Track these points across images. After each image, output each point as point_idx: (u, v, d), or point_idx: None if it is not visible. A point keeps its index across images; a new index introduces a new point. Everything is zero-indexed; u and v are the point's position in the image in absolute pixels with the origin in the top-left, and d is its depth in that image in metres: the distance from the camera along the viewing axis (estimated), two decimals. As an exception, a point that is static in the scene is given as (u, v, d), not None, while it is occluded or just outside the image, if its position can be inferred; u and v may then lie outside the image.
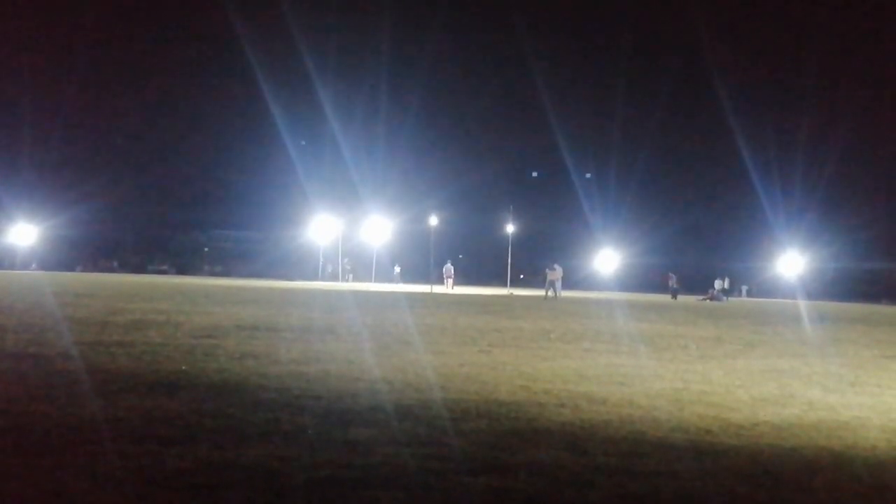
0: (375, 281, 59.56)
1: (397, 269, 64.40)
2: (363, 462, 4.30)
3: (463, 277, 69.89)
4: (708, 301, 45.21)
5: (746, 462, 4.67)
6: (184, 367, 7.83)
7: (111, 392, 6.24)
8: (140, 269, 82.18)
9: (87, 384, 6.58)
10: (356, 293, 33.97)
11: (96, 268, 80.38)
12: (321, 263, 70.26)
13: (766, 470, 4.50)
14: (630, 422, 5.84)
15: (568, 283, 46.85)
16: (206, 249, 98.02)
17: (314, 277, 67.09)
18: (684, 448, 4.99)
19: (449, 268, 49.26)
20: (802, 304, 39.48)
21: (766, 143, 77.79)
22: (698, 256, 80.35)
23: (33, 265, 72.24)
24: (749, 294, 68.47)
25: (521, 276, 60.50)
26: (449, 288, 45.42)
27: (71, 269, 74.12)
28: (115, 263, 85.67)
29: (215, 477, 3.91)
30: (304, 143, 73.23)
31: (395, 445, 4.74)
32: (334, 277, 65.49)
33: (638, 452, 4.81)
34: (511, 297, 38.77)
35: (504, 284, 58.90)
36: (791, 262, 75.44)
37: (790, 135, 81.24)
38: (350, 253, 69.64)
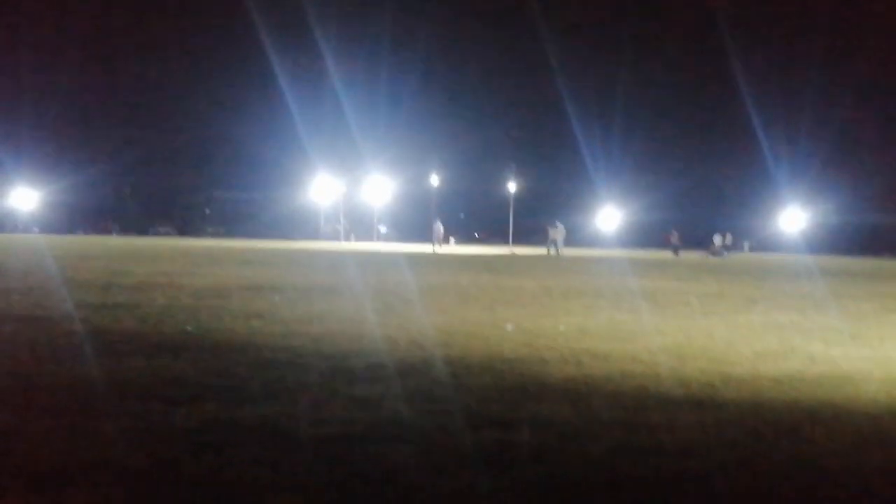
0: (377, 241, 59.51)
1: (384, 229, 64.20)
2: (369, 418, 4.34)
3: (464, 236, 69.83)
4: (709, 257, 45.25)
5: (748, 415, 4.71)
6: (189, 328, 7.87)
7: (117, 353, 6.29)
8: (141, 231, 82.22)
9: (93, 346, 6.63)
10: (357, 253, 34.04)
11: (98, 231, 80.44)
12: (322, 223, 70.16)
13: (766, 421, 4.55)
14: (632, 377, 5.88)
15: (570, 240, 46.86)
16: (207, 211, 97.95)
17: (315, 237, 67.09)
18: (686, 402, 5.04)
19: (438, 226, 47.86)
20: (804, 259, 39.53)
21: (772, 98, 77.18)
22: (700, 212, 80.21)
23: (35, 229, 72.27)
24: (751, 249, 68.46)
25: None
26: (439, 247, 44.83)
27: (72, 232, 74.18)
28: (117, 226, 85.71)
29: (223, 435, 3.95)
30: (299, 69, 71.21)
31: (401, 402, 4.79)
32: (335, 237, 65.52)
33: (640, 406, 4.85)
34: (513, 255, 38.82)
35: (506, 243, 58.93)
36: (793, 218, 75.32)
37: (796, 89, 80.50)
38: (351, 213, 69.52)
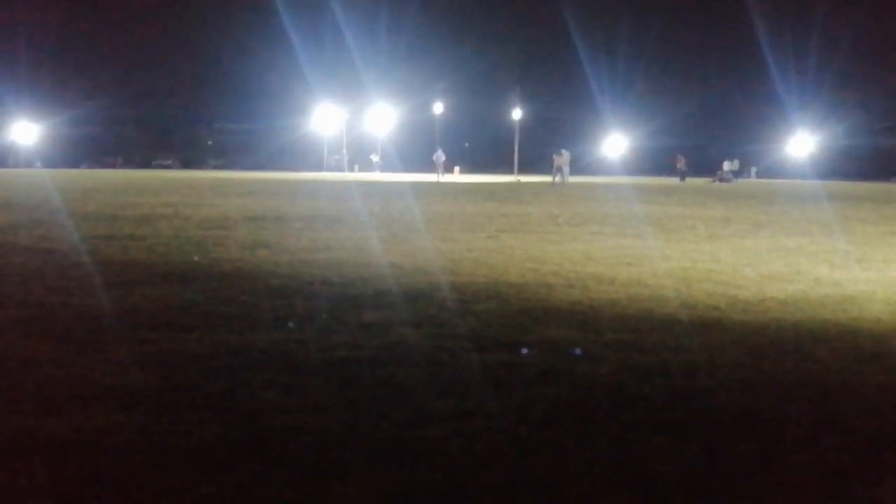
0: (371, 171, 59.26)
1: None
2: (377, 342, 4.40)
3: (470, 165, 69.46)
4: (717, 183, 45.02)
5: (752, 335, 4.76)
6: (196, 258, 7.92)
7: (126, 283, 6.34)
8: (144, 164, 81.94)
9: (102, 276, 6.69)
10: (361, 183, 33.94)
11: (101, 164, 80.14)
12: (325, 154, 69.78)
13: (771, 342, 4.60)
14: (638, 300, 5.93)
15: (576, 168, 46.56)
16: (209, 143, 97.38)
17: (319, 169, 66.83)
18: (691, 324, 5.08)
19: (440, 155, 47.07)
20: (812, 185, 39.32)
21: (780, 20, 75.36)
22: (707, 138, 79.47)
23: (37, 163, 71.99)
24: (758, 175, 68.04)
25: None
26: (442, 176, 44.41)
27: (75, 166, 73.92)
28: (120, 160, 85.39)
29: (234, 359, 4.01)
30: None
31: (408, 326, 4.84)
32: (340, 168, 65.22)
33: (646, 329, 4.90)
34: (518, 183, 38.67)
35: (511, 171, 58.62)
36: (801, 142, 74.56)
37: (804, 11, 78.57)
38: (354, 144, 69.02)
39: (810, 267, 7.97)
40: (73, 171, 55.35)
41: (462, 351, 4.25)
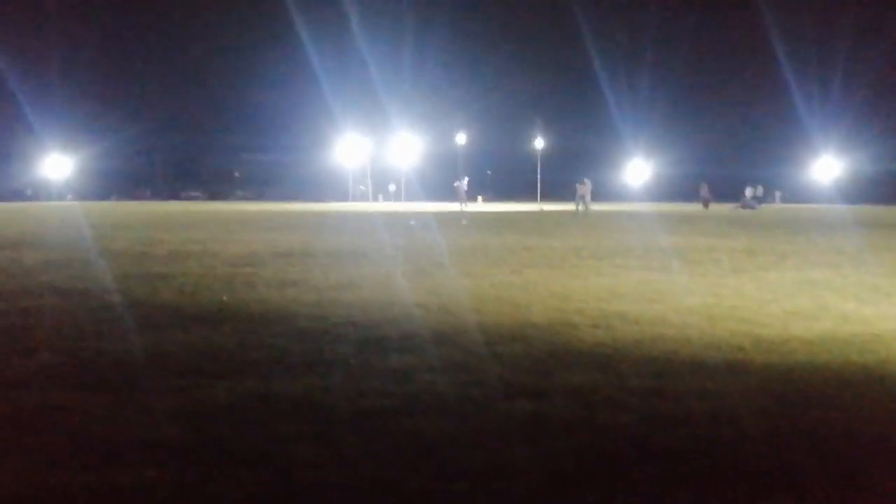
0: (406, 201, 59.58)
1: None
2: (404, 391, 4.46)
3: (493, 193, 69.62)
4: (741, 209, 44.76)
5: (778, 380, 4.76)
6: (224, 298, 8.04)
7: (157, 326, 6.47)
8: (173, 196, 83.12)
9: (133, 319, 6.82)
10: (386, 214, 34.17)
11: (130, 196, 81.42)
12: (351, 185, 70.43)
13: (796, 387, 4.59)
14: (662, 340, 5.94)
15: (598, 195, 46.54)
16: (236, 174, 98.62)
17: (345, 199, 67.37)
18: (716, 367, 5.09)
19: (462, 184, 46.54)
20: (838, 210, 38.94)
21: (803, 45, 75.22)
22: (731, 164, 79.02)
23: (69, 196, 73.29)
24: (783, 200, 67.54)
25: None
26: (465, 205, 44.43)
27: (105, 198, 75.17)
28: (148, 192, 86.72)
29: (264, 409, 4.09)
30: (324, 29, 69.82)
31: (434, 372, 4.90)
32: (365, 198, 65.75)
33: (670, 372, 4.92)
34: (541, 212, 38.72)
35: (534, 198, 58.69)
36: (826, 166, 73.94)
37: (829, 36, 78.35)
38: (379, 174, 69.51)
39: (837, 302, 7.93)
40: (103, 204, 56.28)
41: (487, 399, 4.29)
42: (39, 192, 76.18)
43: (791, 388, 4.58)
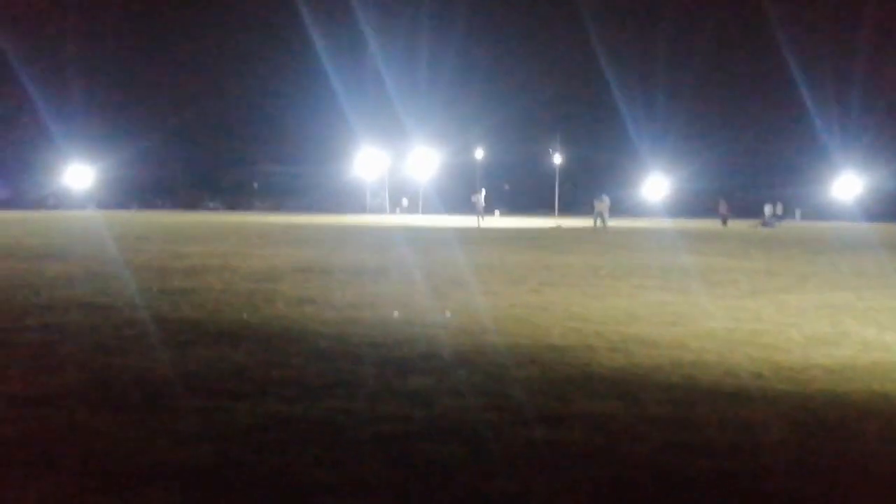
0: (422, 213, 59.77)
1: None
2: (423, 414, 4.49)
3: (510, 208, 69.66)
4: (760, 227, 44.52)
5: (798, 409, 4.75)
6: (245, 316, 8.12)
7: (179, 343, 6.54)
8: (192, 206, 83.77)
9: (156, 335, 6.90)
10: (404, 228, 34.28)
11: (150, 206, 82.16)
12: (368, 198, 70.89)
13: (817, 417, 4.58)
14: (681, 366, 5.94)
15: (616, 210, 46.46)
16: (255, 185, 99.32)
17: (362, 211, 67.66)
18: (735, 394, 5.09)
19: (480, 198, 46.36)
20: (859, 228, 38.63)
21: (821, 61, 74.92)
22: (750, 180, 78.73)
23: (90, 206, 74.03)
24: (803, 218, 67.09)
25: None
26: (482, 220, 44.37)
27: (126, 208, 75.89)
28: (168, 202, 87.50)
29: (285, 432, 4.14)
30: (340, 42, 70.14)
31: (453, 396, 4.93)
32: (382, 211, 66.04)
33: (689, 400, 4.92)
34: (559, 228, 38.70)
35: (552, 213, 58.66)
36: (847, 184, 73.42)
37: (849, 52, 77.93)
38: (396, 187, 69.90)
39: (858, 328, 7.89)
40: (125, 214, 56.84)
41: (506, 425, 4.32)
42: (61, 202, 77.04)
43: (811, 417, 4.58)
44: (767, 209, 50.62)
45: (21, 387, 5.07)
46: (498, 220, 52.79)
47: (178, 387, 5.10)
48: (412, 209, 64.35)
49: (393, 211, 65.57)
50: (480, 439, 4.08)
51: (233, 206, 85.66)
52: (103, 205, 75.50)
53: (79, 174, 77.22)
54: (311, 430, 4.19)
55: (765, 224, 46.68)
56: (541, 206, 70.56)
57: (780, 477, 3.62)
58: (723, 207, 49.22)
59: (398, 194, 70.99)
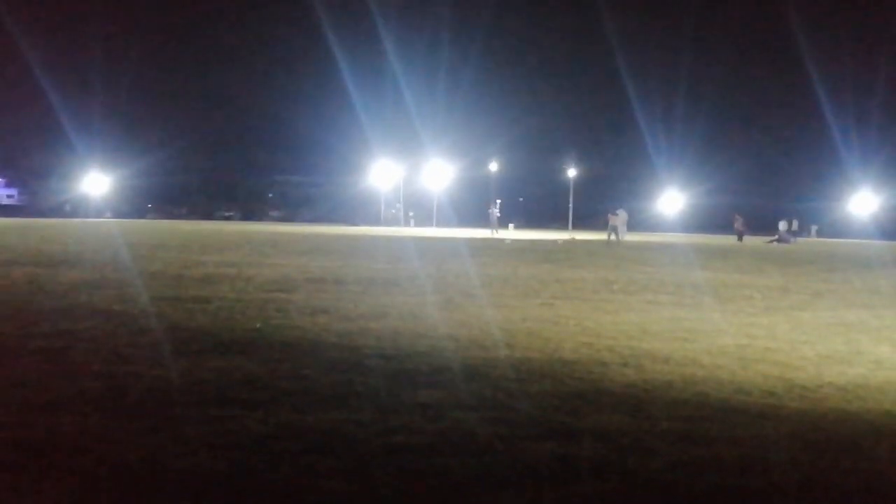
0: (436, 226, 59.89)
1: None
2: (434, 427, 4.51)
3: (524, 220, 69.64)
4: (775, 243, 44.27)
5: (809, 428, 4.73)
6: (258, 325, 8.17)
7: (192, 352, 6.59)
8: (207, 215, 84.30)
9: (169, 344, 6.96)
10: (417, 239, 34.33)
11: (166, 214, 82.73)
12: (383, 209, 71.13)
13: (828, 436, 4.56)
14: (693, 382, 5.92)
15: (631, 224, 46.37)
16: (269, 195, 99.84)
17: (376, 222, 67.81)
18: (747, 412, 5.07)
19: (494, 211, 46.38)
20: (875, 246, 38.35)
21: (840, 77, 74.64)
22: (766, 196, 78.31)
23: (107, 213, 74.66)
24: (819, 234, 66.65)
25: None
26: (495, 232, 44.33)
27: (142, 215, 76.48)
28: (184, 210, 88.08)
29: (297, 442, 4.16)
30: (359, 55, 71.14)
31: (464, 409, 4.94)
32: (396, 222, 66.20)
33: (700, 417, 4.91)
34: (573, 241, 38.64)
35: (566, 227, 58.60)
36: (864, 201, 72.94)
37: (867, 68, 77.59)
38: (410, 199, 70.09)
39: (872, 346, 7.84)
40: (141, 222, 57.29)
41: (517, 439, 4.33)
42: (78, 209, 77.70)
43: (823, 436, 4.56)
44: (782, 225, 50.31)
45: (35, 393, 5.13)
46: (512, 233, 52.77)
47: (191, 395, 5.14)
48: (424, 222, 64.52)
49: (407, 223, 65.74)
50: (490, 453, 4.09)
51: (247, 215, 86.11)
52: (119, 212, 76.09)
53: (96, 182, 77.88)
54: (323, 440, 4.22)
55: (780, 240, 46.40)
56: (555, 218, 70.51)
57: (790, 495, 3.61)
58: (738, 223, 49.00)
59: (414, 206, 71.17)
